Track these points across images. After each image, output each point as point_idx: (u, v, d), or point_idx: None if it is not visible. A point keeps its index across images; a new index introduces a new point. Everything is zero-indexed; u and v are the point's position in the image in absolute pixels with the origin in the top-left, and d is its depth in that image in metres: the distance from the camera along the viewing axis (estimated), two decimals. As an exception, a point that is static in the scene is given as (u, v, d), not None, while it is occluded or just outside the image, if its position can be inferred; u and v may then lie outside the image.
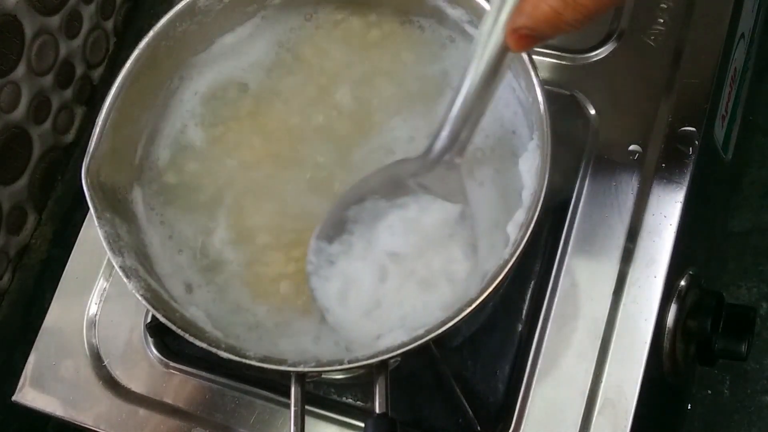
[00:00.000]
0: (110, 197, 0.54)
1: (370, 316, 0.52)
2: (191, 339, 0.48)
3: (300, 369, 0.48)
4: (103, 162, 0.53)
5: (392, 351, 0.47)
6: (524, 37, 0.41)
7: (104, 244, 0.51)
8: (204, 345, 0.48)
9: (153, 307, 0.50)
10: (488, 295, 0.46)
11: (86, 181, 0.52)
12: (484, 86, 0.46)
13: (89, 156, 0.52)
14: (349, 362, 0.47)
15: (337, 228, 0.53)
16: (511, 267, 0.47)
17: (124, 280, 0.50)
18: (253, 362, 0.48)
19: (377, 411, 0.48)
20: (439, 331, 0.46)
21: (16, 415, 0.68)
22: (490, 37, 0.44)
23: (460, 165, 0.50)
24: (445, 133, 0.48)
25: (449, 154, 0.49)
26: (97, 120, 0.54)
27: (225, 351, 0.48)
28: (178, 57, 0.58)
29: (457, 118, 0.47)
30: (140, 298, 0.50)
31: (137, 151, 0.58)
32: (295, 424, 0.49)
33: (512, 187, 0.54)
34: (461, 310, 0.46)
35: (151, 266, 0.55)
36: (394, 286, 0.51)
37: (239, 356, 0.48)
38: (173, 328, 0.49)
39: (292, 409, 0.49)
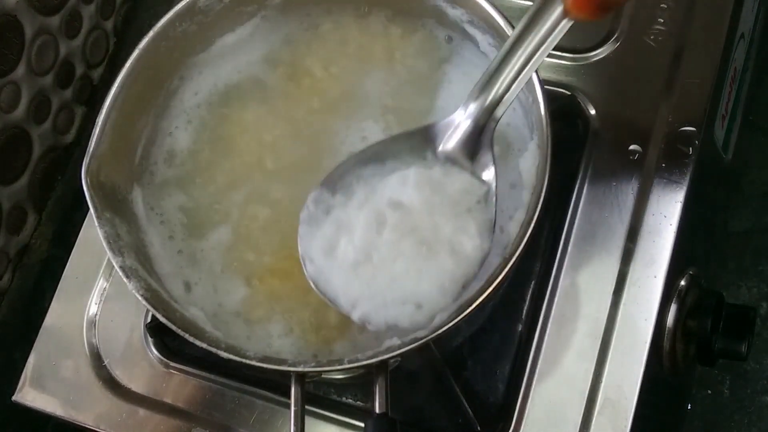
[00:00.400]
0: (110, 197, 0.54)
1: (356, 271, 0.47)
2: (191, 339, 0.48)
3: (300, 369, 0.48)
4: (103, 162, 0.53)
5: (392, 351, 0.47)
6: (586, 2, 0.40)
7: (104, 244, 0.51)
8: (204, 345, 0.48)
9: (153, 307, 0.50)
10: (488, 295, 0.46)
11: (86, 181, 0.52)
12: (532, 49, 0.44)
13: (89, 156, 0.52)
14: (349, 362, 0.47)
15: (345, 180, 0.50)
16: (511, 267, 0.47)
17: (124, 280, 0.50)
18: (253, 362, 0.48)
19: (377, 411, 0.48)
20: (439, 331, 0.46)
21: (16, 415, 0.68)
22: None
23: (492, 136, 0.47)
24: (483, 93, 0.46)
25: (483, 113, 0.47)
26: (97, 120, 0.54)
27: (225, 351, 0.48)
28: (178, 57, 0.59)
29: (498, 77, 0.45)
30: (140, 298, 0.50)
31: (137, 151, 0.58)
32: (295, 424, 0.49)
33: (512, 186, 0.55)
34: (461, 310, 0.46)
35: (151, 266, 0.55)
36: (392, 239, 0.47)
37: (239, 356, 0.48)
38: (173, 328, 0.49)
39: (292, 409, 0.49)
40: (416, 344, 0.46)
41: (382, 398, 0.48)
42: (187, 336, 0.48)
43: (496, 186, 0.48)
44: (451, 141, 0.49)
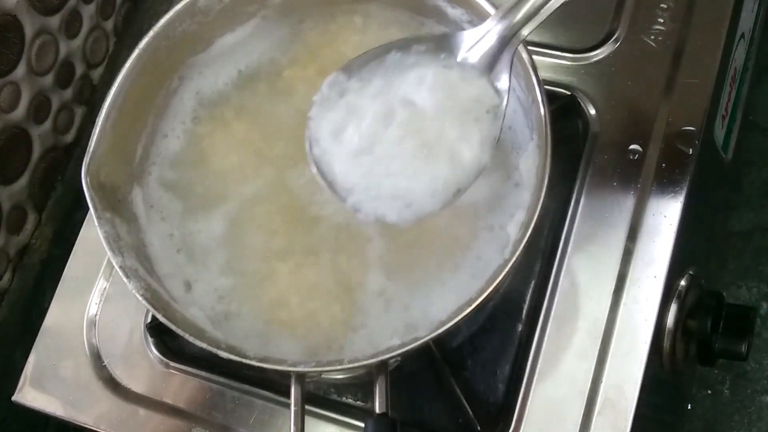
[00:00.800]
0: (110, 197, 0.54)
1: (358, 160, 0.48)
2: (191, 339, 0.48)
3: (300, 369, 0.48)
4: (103, 162, 0.53)
5: (392, 351, 0.47)
6: None
7: (104, 244, 0.51)
8: (204, 345, 0.48)
9: (153, 307, 0.50)
10: (488, 295, 0.46)
11: (86, 181, 0.52)
12: None
13: (89, 156, 0.52)
14: (349, 362, 0.47)
15: (364, 68, 0.50)
16: (511, 267, 0.47)
17: (124, 280, 0.50)
18: (253, 362, 0.48)
19: (377, 411, 0.48)
20: (439, 331, 0.46)
21: (16, 414, 0.68)
22: None
23: (513, 54, 0.47)
24: (514, 9, 0.46)
25: (510, 30, 0.47)
26: (97, 120, 0.54)
27: (225, 351, 0.48)
28: (178, 57, 0.58)
29: None
30: (140, 298, 0.50)
31: (137, 151, 0.58)
32: (295, 424, 0.49)
33: (512, 186, 0.54)
34: (461, 310, 0.46)
35: (151, 266, 0.55)
36: (396, 136, 0.47)
37: (239, 356, 0.48)
38: (173, 328, 0.49)
39: (292, 409, 0.49)
40: (416, 344, 0.46)
41: (382, 398, 0.48)
42: (187, 336, 0.48)
43: (507, 104, 0.49)
44: (474, 50, 0.49)
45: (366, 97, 0.49)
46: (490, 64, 0.49)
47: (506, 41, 0.48)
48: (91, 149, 0.53)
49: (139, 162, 0.58)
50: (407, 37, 0.52)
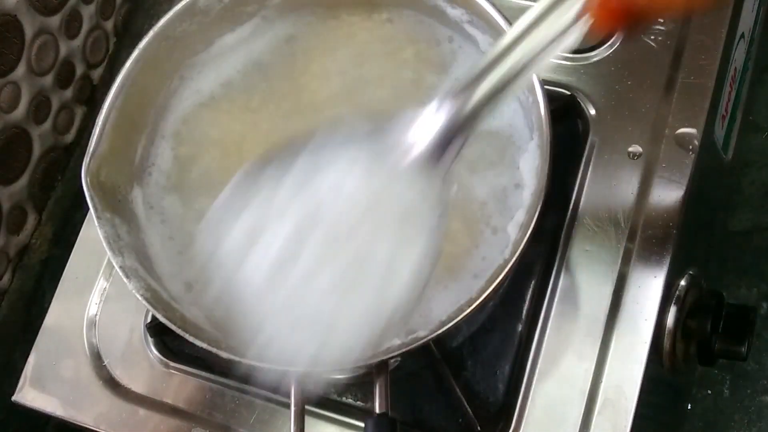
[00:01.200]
0: (110, 197, 0.54)
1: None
2: (191, 339, 0.48)
3: (300, 368, 0.48)
4: (103, 162, 0.53)
5: (392, 351, 0.47)
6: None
7: (104, 244, 0.51)
8: (204, 345, 0.48)
9: (153, 307, 0.50)
10: (488, 295, 0.46)
11: (86, 181, 0.52)
12: (537, 45, 0.36)
13: (89, 156, 0.52)
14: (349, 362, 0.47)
15: (286, 152, 0.40)
16: (511, 267, 0.47)
17: (124, 280, 0.50)
18: (253, 362, 0.48)
19: (377, 411, 0.48)
20: (439, 331, 0.46)
21: (16, 414, 0.68)
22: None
23: (461, 147, 0.38)
24: (466, 92, 0.37)
25: (460, 118, 0.37)
26: (97, 120, 0.54)
27: (225, 351, 0.48)
28: (179, 57, 0.59)
29: (487, 75, 0.36)
30: (140, 298, 0.50)
31: (137, 151, 0.58)
32: (295, 424, 0.49)
33: (513, 187, 0.54)
34: (461, 310, 0.46)
35: (151, 266, 0.55)
36: (315, 252, 0.38)
37: (239, 356, 0.48)
38: (173, 328, 0.49)
39: (293, 409, 0.49)
40: (416, 344, 0.46)
41: (382, 398, 0.48)
42: (187, 336, 0.48)
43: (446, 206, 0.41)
44: (418, 137, 0.39)
45: (281, 197, 0.39)
46: (436, 155, 0.39)
47: (455, 130, 0.38)
48: (91, 149, 0.53)
49: (139, 162, 0.58)
50: (341, 121, 0.48)
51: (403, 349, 0.46)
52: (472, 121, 0.38)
